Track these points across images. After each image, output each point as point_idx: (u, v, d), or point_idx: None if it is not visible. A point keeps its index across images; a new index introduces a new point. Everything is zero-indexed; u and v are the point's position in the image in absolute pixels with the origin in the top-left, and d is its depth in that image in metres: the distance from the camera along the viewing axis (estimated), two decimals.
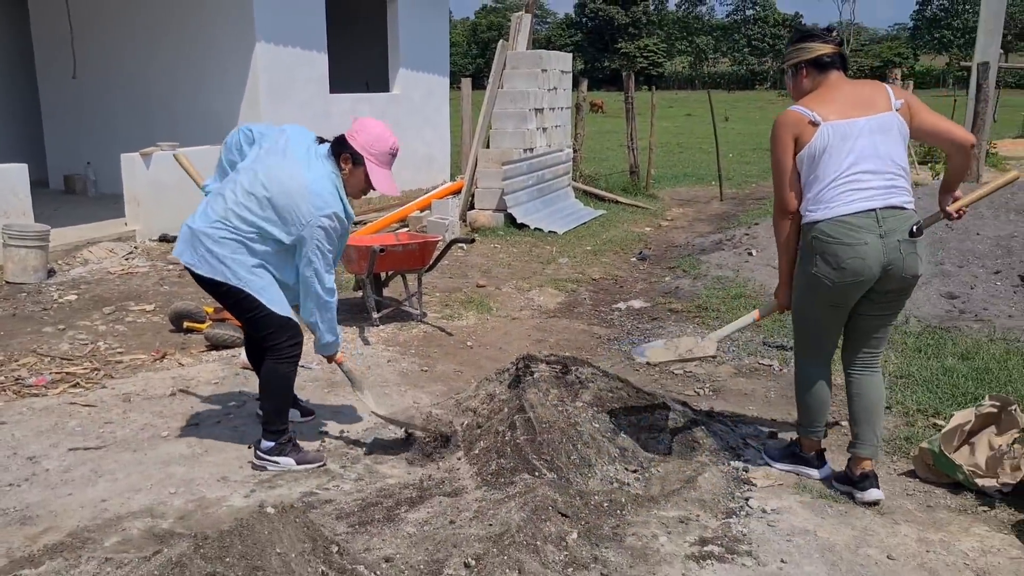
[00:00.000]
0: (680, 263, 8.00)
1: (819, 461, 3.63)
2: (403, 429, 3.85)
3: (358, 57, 13.62)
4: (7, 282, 6.60)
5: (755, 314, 3.78)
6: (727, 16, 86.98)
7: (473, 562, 2.79)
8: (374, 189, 3.48)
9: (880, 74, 39.02)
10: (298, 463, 3.58)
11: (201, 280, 3.46)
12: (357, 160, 3.44)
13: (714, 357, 4.04)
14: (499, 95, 10.19)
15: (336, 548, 2.35)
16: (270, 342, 3.49)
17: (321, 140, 3.54)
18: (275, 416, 3.58)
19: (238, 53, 9.34)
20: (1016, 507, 3.39)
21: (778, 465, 3.70)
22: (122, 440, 3.88)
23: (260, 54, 9.32)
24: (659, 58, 76.81)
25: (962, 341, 5.37)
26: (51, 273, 6.88)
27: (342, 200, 3.42)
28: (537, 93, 10.38)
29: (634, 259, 8.45)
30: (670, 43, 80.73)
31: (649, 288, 7.23)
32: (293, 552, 2.23)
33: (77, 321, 5.74)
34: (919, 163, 15.63)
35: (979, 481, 3.48)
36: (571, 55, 11.86)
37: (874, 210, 3.20)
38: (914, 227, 3.23)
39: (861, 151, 3.22)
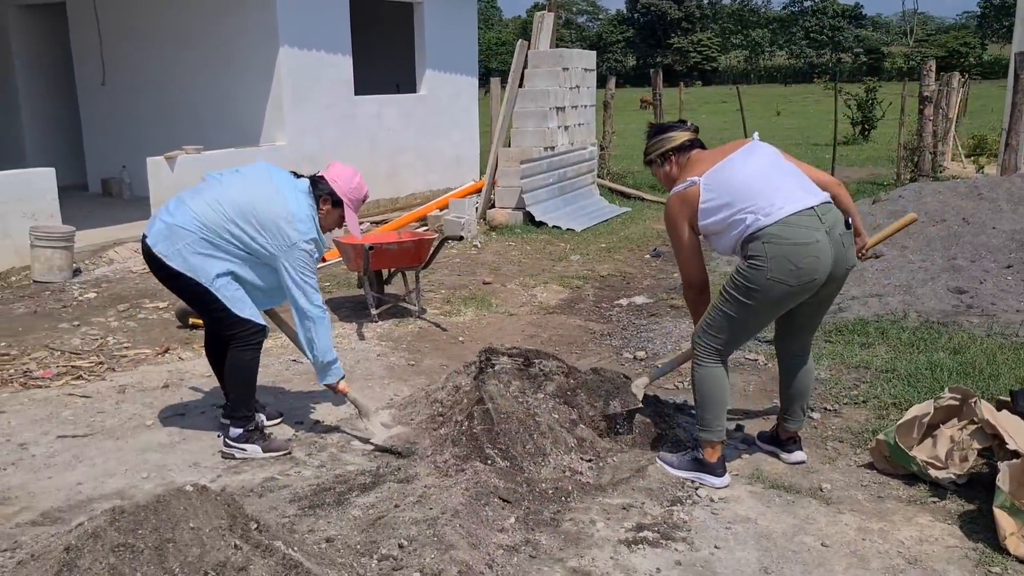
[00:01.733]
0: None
1: (721, 469, 3.54)
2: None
3: (388, 60, 13.86)
4: (34, 281, 6.95)
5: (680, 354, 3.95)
6: (784, 8, 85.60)
7: (406, 543, 2.92)
8: (341, 227, 3.93)
9: (945, 64, 38.06)
10: (264, 451, 3.75)
11: (162, 269, 3.62)
12: (336, 203, 3.78)
13: (639, 407, 3.96)
14: (520, 94, 10.29)
15: (256, 525, 2.49)
16: (231, 330, 3.67)
17: (296, 175, 3.81)
18: (240, 404, 3.76)
19: (262, 58, 9.62)
20: (967, 498, 3.39)
21: (678, 473, 3.60)
22: (108, 429, 4.10)
23: (284, 58, 9.58)
24: (713, 53, 75.99)
25: (957, 336, 5.31)
26: (77, 272, 7.22)
27: (317, 231, 3.70)
28: (558, 92, 10.46)
29: (648, 256, 8.48)
30: (724, 37, 79.77)
31: (655, 284, 7.27)
32: (208, 527, 2.38)
33: (92, 318, 6.03)
34: (965, 156, 15.31)
35: (933, 473, 3.49)
36: (595, 53, 11.90)
37: (812, 208, 3.25)
38: (848, 219, 3.30)
39: (752, 168, 3.34)
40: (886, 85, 25.85)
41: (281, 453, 3.77)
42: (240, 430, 3.75)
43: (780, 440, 3.78)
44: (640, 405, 3.98)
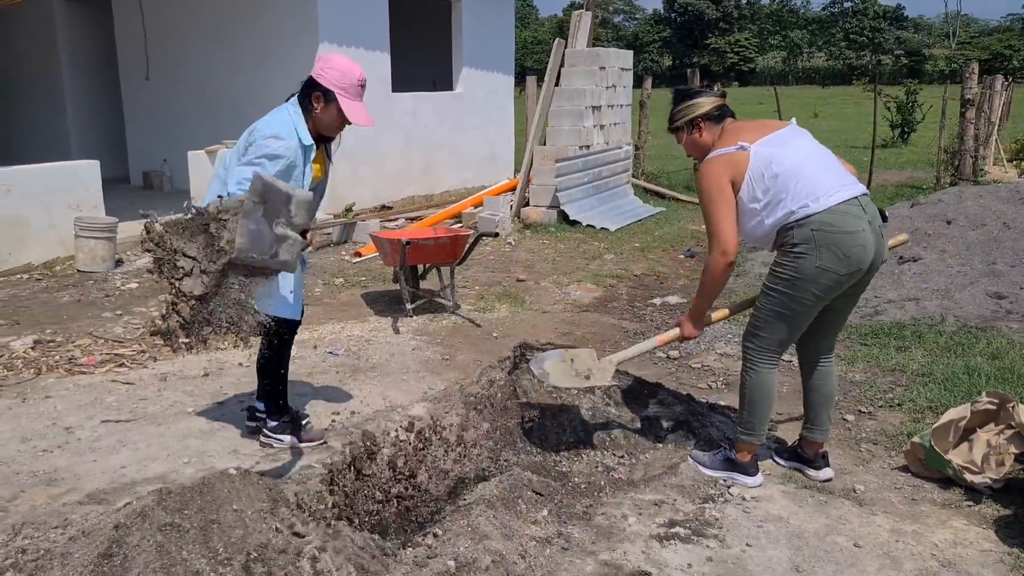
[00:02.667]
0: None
1: (754, 468, 3.54)
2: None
3: (426, 57, 13.95)
4: (78, 270, 7.11)
5: (657, 340, 3.65)
6: (823, 9, 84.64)
7: (440, 532, 2.97)
8: (350, 124, 3.50)
9: (988, 67, 37.44)
10: (300, 441, 3.80)
11: None
12: (329, 97, 3.44)
13: (611, 386, 3.76)
14: (556, 93, 10.32)
15: (296, 509, 2.55)
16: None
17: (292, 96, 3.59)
18: (275, 396, 3.80)
19: (302, 54, 9.74)
20: (1003, 503, 3.37)
21: (711, 472, 3.59)
22: (151, 415, 4.20)
23: (323, 54, 9.68)
24: (751, 53, 75.37)
25: (996, 341, 5.26)
26: (119, 263, 7.38)
27: (295, 129, 3.42)
28: (595, 91, 10.47)
29: (682, 256, 8.47)
30: (762, 38, 79.06)
31: (689, 284, 7.26)
32: (250, 510, 2.44)
33: (134, 307, 6.17)
34: (1007, 161, 15.06)
35: (968, 477, 3.47)
36: (631, 52, 11.88)
37: (856, 197, 3.23)
38: (884, 211, 3.31)
39: (803, 150, 3.30)
40: (927, 88, 25.48)
41: (317, 443, 3.82)
42: (276, 422, 3.80)
43: (805, 456, 3.64)
44: (610, 383, 3.81)
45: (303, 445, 3.79)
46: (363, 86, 3.52)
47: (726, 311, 3.72)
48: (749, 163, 3.23)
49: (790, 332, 3.38)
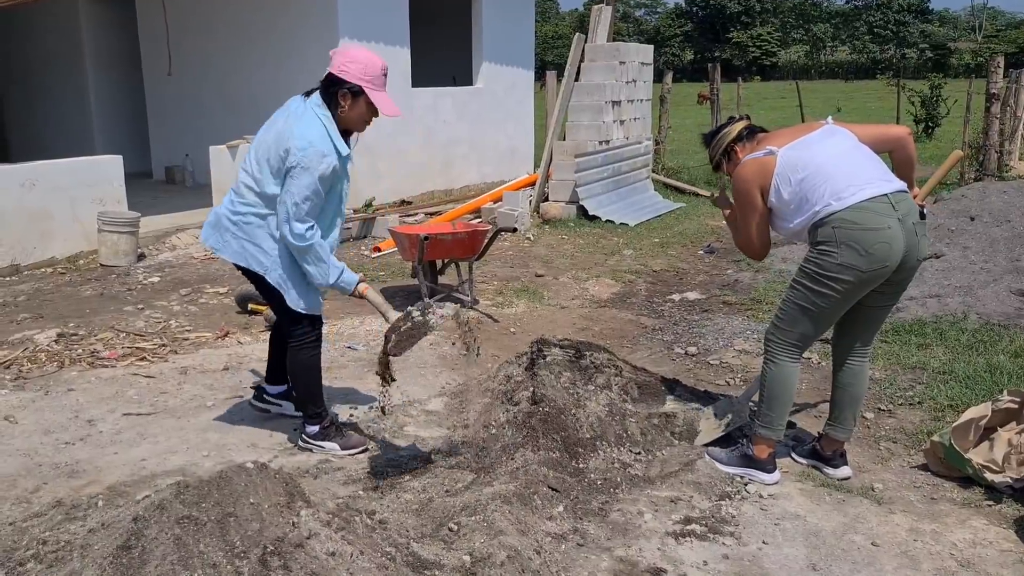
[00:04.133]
0: (746, 257, 7.93)
1: (771, 465, 3.51)
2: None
3: (445, 52, 13.96)
4: (101, 264, 7.19)
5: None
6: (847, 2, 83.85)
7: (456, 527, 2.98)
8: (377, 116, 3.48)
9: (1015, 60, 36.95)
10: (343, 448, 3.72)
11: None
12: (356, 92, 3.40)
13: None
14: (576, 88, 10.30)
15: (312, 503, 2.57)
16: (288, 327, 3.65)
17: (308, 93, 3.52)
18: (309, 401, 3.74)
19: (322, 49, 9.68)
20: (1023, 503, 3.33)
21: (728, 469, 3.57)
22: (171, 408, 4.24)
23: None
24: (773, 47, 74.85)
25: (1019, 339, 5.20)
26: (141, 257, 7.45)
27: (333, 142, 3.39)
28: (614, 86, 10.44)
29: (701, 252, 8.43)
30: (785, 32, 78.47)
31: (709, 281, 7.23)
32: (267, 503, 2.47)
33: (155, 301, 6.23)
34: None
35: (989, 476, 3.43)
36: (651, 47, 11.84)
37: (886, 195, 3.21)
38: (923, 209, 3.28)
39: (831, 150, 3.31)
40: (952, 82, 25.20)
41: (359, 450, 3.74)
42: (316, 427, 3.73)
43: (824, 455, 3.62)
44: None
45: (345, 453, 3.72)
46: (386, 74, 3.48)
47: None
48: (776, 167, 3.32)
49: (813, 327, 3.39)
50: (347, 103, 3.41)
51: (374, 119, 3.52)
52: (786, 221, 3.38)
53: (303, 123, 3.37)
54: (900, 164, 3.44)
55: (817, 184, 3.23)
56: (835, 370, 3.63)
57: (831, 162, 3.26)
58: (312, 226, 3.40)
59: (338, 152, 3.40)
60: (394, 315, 3.55)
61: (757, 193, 3.38)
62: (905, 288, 3.45)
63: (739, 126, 3.57)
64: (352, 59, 3.39)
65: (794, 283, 3.37)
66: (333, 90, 3.41)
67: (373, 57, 3.43)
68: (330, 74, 3.42)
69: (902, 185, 3.29)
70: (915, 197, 3.40)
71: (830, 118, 3.54)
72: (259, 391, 4.11)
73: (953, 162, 3.81)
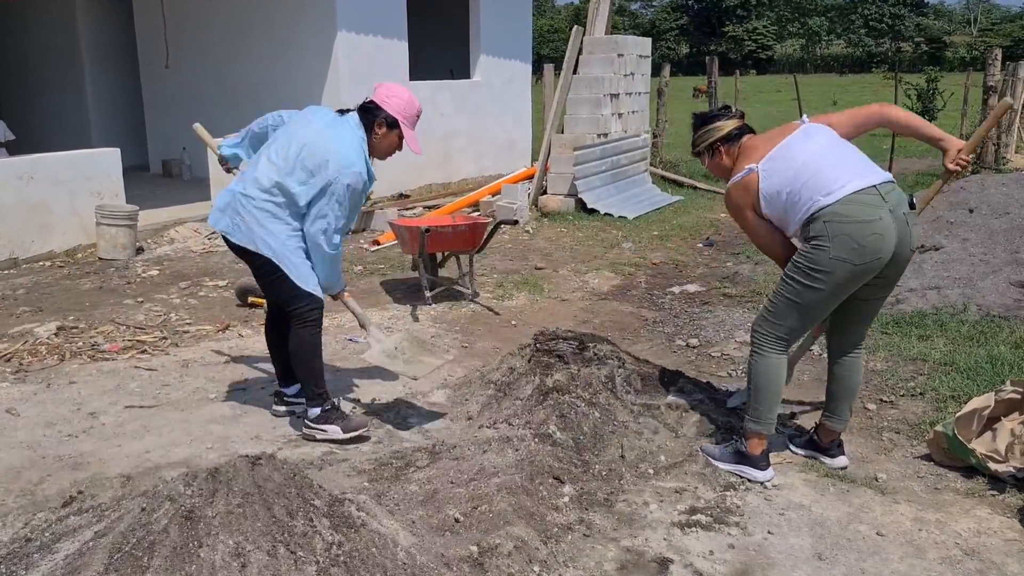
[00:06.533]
0: (745, 249, 7.94)
1: (764, 462, 3.49)
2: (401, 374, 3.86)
3: (443, 45, 13.93)
4: (99, 258, 7.17)
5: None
6: None
7: (462, 517, 2.98)
8: (400, 150, 3.80)
9: (1011, 54, 36.97)
10: (344, 431, 3.72)
11: (232, 246, 3.67)
12: (392, 124, 3.67)
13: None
14: (574, 81, 10.28)
15: (319, 495, 2.57)
16: (290, 306, 3.66)
17: (341, 112, 3.71)
18: (311, 381, 3.75)
19: (320, 42, 9.76)
20: None
21: (721, 465, 3.55)
22: (174, 401, 4.24)
23: (341, 43, 9.71)
24: (769, 41, 74.81)
25: (1019, 330, 5.21)
26: (140, 250, 7.43)
27: (366, 162, 3.62)
28: (612, 78, 10.42)
29: (700, 244, 8.43)
30: (781, 25, 78.40)
31: (708, 273, 7.23)
32: (273, 495, 2.46)
33: (155, 294, 6.21)
34: None
35: (992, 466, 3.44)
36: (650, 40, 11.81)
37: (875, 186, 3.20)
38: (912, 198, 3.27)
39: (812, 150, 3.29)
40: (948, 75, 25.21)
41: (362, 431, 3.76)
42: (318, 410, 3.74)
43: (821, 445, 3.64)
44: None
45: (347, 435, 3.73)
46: (419, 116, 3.78)
47: None
48: (759, 181, 3.33)
49: (802, 322, 3.37)
50: (382, 132, 3.67)
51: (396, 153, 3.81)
52: (784, 224, 3.38)
53: (346, 142, 3.59)
54: (904, 129, 3.41)
55: (802, 184, 3.22)
56: (830, 362, 3.63)
57: (812, 160, 3.24)
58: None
59: (369, 173, 3.65)
60: (372, 325, 3.97)
61: (752, 212, 3.40)
62: (897, 280, 3.43)
63: (731, 124, 3.52)
64: (396, 94, 3.67)
65: (786, 277, 3.34)
66: (371, 117, 3.65)
67: (414, 98, 3.72)
68: (371, 101, 3.66)
69: (889, 176, 3.28)
70: (960, 151, 3.31)
71: (805, 117, 3.52)
72: (278, 395, 4.11)
73: (1002, 111, 3.80)
